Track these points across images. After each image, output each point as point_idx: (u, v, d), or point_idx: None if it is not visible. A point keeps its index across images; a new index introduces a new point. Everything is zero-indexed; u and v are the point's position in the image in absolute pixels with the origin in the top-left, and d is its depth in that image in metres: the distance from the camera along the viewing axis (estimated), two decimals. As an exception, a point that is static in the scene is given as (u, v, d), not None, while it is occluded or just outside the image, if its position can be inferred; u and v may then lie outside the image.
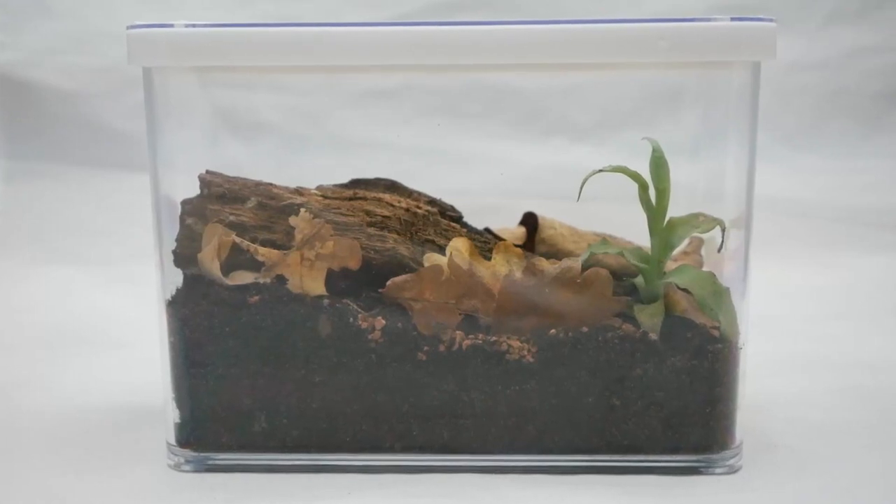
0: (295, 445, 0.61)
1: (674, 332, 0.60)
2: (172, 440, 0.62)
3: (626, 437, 0.60)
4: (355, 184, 0.65)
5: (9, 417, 0.71)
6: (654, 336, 0.59)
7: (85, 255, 1.16)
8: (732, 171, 0.60)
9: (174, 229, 0.61)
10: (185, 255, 0.61)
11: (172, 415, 0.62)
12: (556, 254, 0.67)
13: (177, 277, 0.62)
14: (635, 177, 0.60)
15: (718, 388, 0.60)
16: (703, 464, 0.61)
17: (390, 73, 0.64)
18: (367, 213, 0.62)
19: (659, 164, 0.59)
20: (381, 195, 0.64)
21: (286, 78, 0.65)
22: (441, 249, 0.62)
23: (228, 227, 0.61)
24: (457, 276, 0.60)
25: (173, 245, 0.61)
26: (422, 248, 0.62)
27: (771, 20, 0.56)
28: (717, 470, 0.61)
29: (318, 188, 0.64)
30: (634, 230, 0.63)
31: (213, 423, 0.61)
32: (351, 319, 0.60)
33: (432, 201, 0.65)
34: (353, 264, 0.61)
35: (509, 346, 0.59)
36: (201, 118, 0.63)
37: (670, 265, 0.63)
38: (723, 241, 0.59)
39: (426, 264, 0.61)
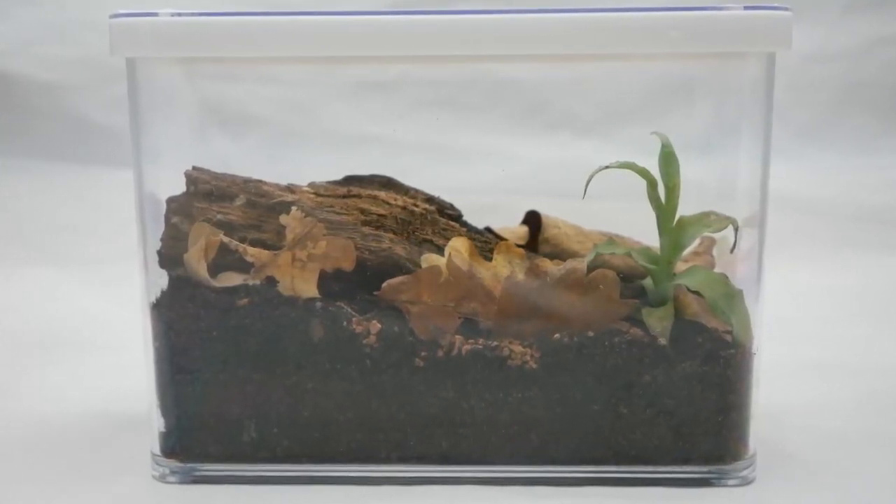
0: (286, 456, 0.61)
1: (684, 336, 0.60)
2: (157, 450, 0.62)
3: (634, 447, 0.60)
4: (349, 181, 0.65)
5: (-15, 426, 0.71)
6: (663, 341, 0.59)
7: (65, 255, 1.16)
8: (745, 167, 0.60)
9: (159, 228, 0.61)
10: (170, 255, 0.61)
11: (157, 423, 0.62)
12: (560, 254, 0.66)
13: (162, 279, 0.62)
14: (643, 173, 0.60)
15: (731, 396, 0.60)
16: (714, 475, 0.61)
17: (386, 64, 0.64)
18: (362, 211, 0.62)
19: (668, 160, 0.59)
20: (376, 193, 0.64)
21: (277, 69, 0.65)
22: (439, 250, 0.62)
23: (216, 226, 0.61)
24: (456, 278, 0.60)
25: (158, 245, 0.61)
26: (419, 248, 0.62)
27: (786, 9, 0.56)
28: (730, 482, 0.61)
29: (311, 185, 0.64)
30: (642, 229, 0.63)
31: (200, 432, 0.61)
32: (345, 323, 0.60)
33: (430, 199, 0.65)
34: (347, 265, 0.61)
35: (511, 351, 0.59)
36: (187, 112, 0.63)
37: (680, 266, 0.63)
38: (735, 241, 0.59)
39: (424, 265, 0.61)
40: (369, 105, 0.70)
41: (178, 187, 0.62)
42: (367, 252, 0.61)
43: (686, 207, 0.61)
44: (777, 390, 0.72)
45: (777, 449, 0.65)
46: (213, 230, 0.61)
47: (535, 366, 0.59)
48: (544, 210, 0.69)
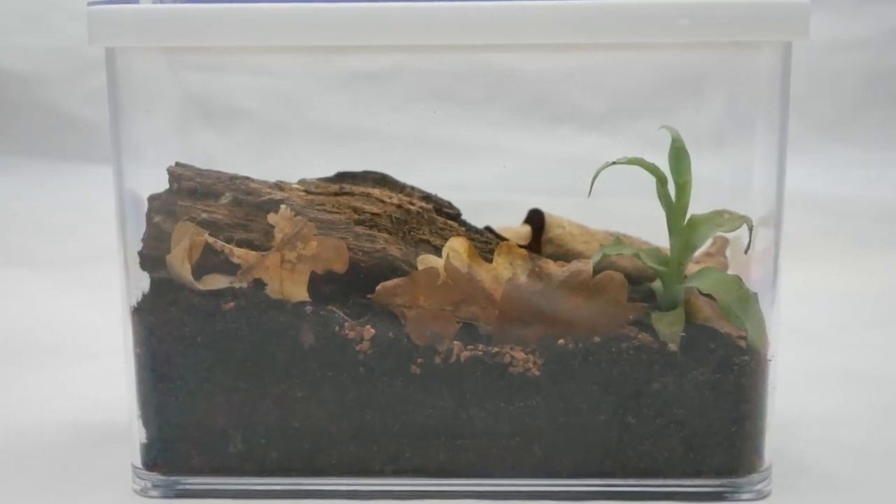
0: (274, 468, 0.61)
1: (695, 342, 0.60)
2: (138, 462, 0.62)
3: (643, 459, 0.60)
4: (341, 177, 0.65)
5: (-44, 437, 0.71)
6: (673, 347, 0.59)
7: (41, 256, 1.16)
8: (760, 163, 0.60)
9: (140, 228, 0.61)
10: (152, 256, 0.61)
11: (138, 434, 0.62)
12: (564, 255, 0.67)
13: (143, 282, 0.62)
14: (653, 170, 0.60)
15: (745, 405, 0.60)
16: (728, 489, 0.61)
17: (381, 54, 0.64)
18: (355, 209, 0.62)
19: (679, 156, 0.59)
20: (370, 190, 0.64)
21: (265, 59, 0.65)
22: (437, 250, 0.62)
23: (200, 225, 0.61)
24: (454, 281, 0.60)
25: (139, 246, 0.61)
26: (415, 248, 0.62)
27: (803, -5, 0.57)
28: (744, 495, 0.61)
29: (300, 182, 0.64)
30: (652, 229, 0.63)
31: (184, 443, 0.61)
32: (337, 328, 0.60)
33: (427, 197, 0.65)
34: (339, 267, 0.61)
35: (513, 357, 0.59)
36: (170, 104, 0.63)
37: (691, 268, 0.63)
38: (750, 242, 0.59)
39: (420, 267, 0.61)
40: (362, 97, 0.70)
41: (161, 184, 0.62)
42: (360, 253, 0.61)
43: (697, 206, 0.61)
44: (794, 399, 0.72)
45: (794, 461, 0.65)
46: (197, 230, 0.61)
47: (537, 373, 0.59)
48: (548, 208, 0.69)
